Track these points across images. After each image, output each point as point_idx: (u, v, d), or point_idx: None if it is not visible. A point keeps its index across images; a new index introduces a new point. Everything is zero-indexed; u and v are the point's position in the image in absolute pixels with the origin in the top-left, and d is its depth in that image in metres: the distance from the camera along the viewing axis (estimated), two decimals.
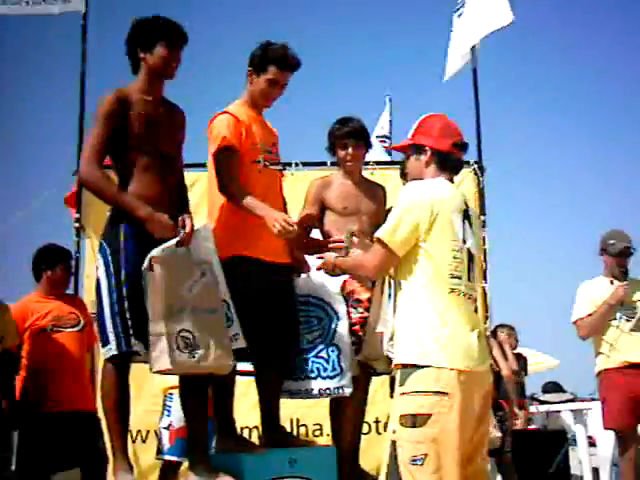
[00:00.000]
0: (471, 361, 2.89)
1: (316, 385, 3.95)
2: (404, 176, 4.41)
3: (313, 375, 3.96)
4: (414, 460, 2.76)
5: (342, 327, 3.99)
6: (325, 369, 3.93)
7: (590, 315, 5.23)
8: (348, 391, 3.96)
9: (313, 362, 3.95)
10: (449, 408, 2.78)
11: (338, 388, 3.94)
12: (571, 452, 7.21)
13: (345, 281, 4.11)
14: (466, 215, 3.08)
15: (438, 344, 2.84)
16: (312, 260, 4.06)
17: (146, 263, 3.29)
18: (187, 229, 3.45)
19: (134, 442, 5.39)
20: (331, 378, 3.93)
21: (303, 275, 4.11)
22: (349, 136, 4.36)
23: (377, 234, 3.06)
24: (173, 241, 3.37)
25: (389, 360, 4.15)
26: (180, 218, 3.47)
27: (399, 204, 3.08)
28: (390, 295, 4.12)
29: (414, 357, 2.87)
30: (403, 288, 3.00)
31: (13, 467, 4.73)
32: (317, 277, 4.05)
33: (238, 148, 3.81)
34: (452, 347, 2.86)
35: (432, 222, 2.96)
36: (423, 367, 2.80)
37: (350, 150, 4.36)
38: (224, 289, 3.57)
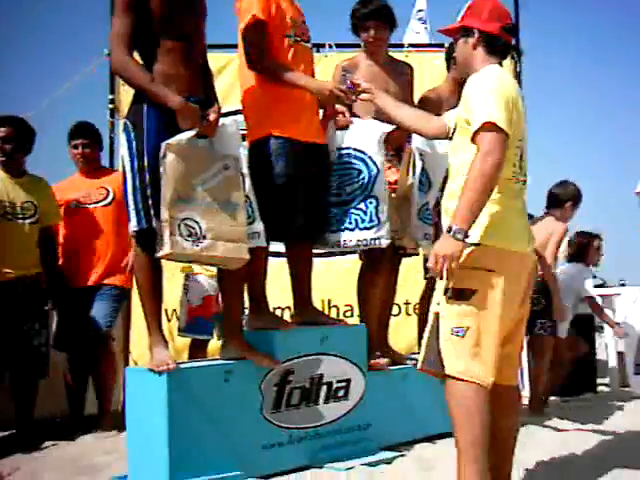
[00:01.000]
0: (518, 242, 2.92)
1: (354, 236, 3.94)
2: (452, 60, 4.38)
3: (351, 227, 3.94)
4: (457, 332, 2.82)
5: (380, 179, 3.95)
6: (363, 220, 3.91)
7: None
8: (385, 242, 3.96)
9: (351, 214, 3.93)
10: (494, 285, 2.82)
11: (375, 239, 3.93)
12: (597, 338, 7.29)
13: (388, 133, 4.03)
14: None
15: (490, 224, 2.84)
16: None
17: (162, 149, 3.28)
18: (211, 119, 3.43)
19: (169, 321, 5.52)
20: (368, 229, 3.92)
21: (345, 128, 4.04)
22: (370, 17, 4.27)
23: (486, 119, 2.79)
24: (193, 131, 3.35)
25: (414, 238, 4.21)
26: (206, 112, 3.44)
27: (480, 89, 2.90)
28: (415, 174, 4.16)
29: None
30: (463, 167, 2.89)
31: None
32: (359, 128, 4.00)
33: (267, 22, 3.73)
34: (502, 228, 2.87)
35: (512, 109, 2.87)
36: (472, 245, 2.82)
37: (372, 32, 4.29)
38: (248, 185, 3.57)
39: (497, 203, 2.86)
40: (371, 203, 3.92)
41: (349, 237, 3.95)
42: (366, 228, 3.92)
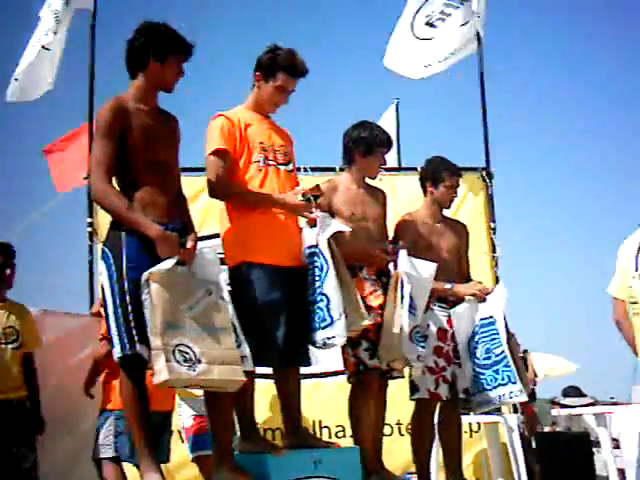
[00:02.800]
0: None
1: (318, 336, 3.79)
2: (427, 183, 4.70)
3: (316, 326, 3.79)
4: None
5: (330, 274, 3.78)
6: (321, 319, 3.77)
7: None
8: (340, 341, 3.79)
9: (316, 312, 3.79)
10: None
11: (329, 338, 3.76)
12: (596, 454, 7.17)
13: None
14: None
15: None
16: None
17: (143, 279, 3.29)
18: (189, 247, 3.46)
19: None
20: (323, 329, 3.77)
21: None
22: (390, 145, 4.44)
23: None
24: (173, 260, 3.36)
25: (406, 360, 4.18)
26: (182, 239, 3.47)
27: None
28: (403, 296, 4.16)
29: None
30: None
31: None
32: (318, 225, 3.87)
33: (230, 151, 3.81)
34: None
35: None
36: None
37: (383, 160, 4.45)
38: (232, 310, 3.55)
39: None
40: (322, 301, 3.79)
41: (316, 337, 3.81)
42: (321, 328, 3.78)
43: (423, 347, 4.26)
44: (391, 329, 4.12)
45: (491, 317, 4.62)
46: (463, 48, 7.23)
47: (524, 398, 4.56)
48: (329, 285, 3.78)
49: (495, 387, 4.51)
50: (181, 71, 3.63)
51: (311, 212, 3.83)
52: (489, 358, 4.52)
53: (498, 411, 5.66)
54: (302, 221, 3.95)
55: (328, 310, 3.77)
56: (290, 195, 3.84)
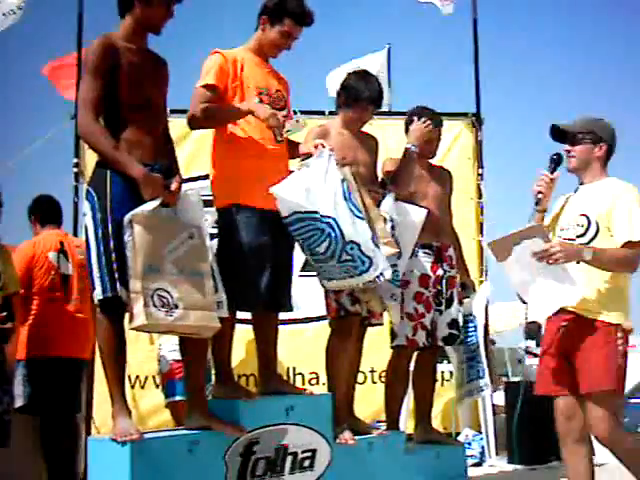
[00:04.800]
0: None
1: (358, 281, 3.83)
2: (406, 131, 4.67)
3: (349, 275, 3.82)
4: None
5: (343, 221, 3.76)
6: (355, 267, 3.78)
7: None
8: (388, 274, 3.84)
9: (341, 267, 3.81)
10: None
11: (378, 277, 3.81)
12: None
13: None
14: None
15: None
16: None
17: (126, 220, 3.28)
18: (173, 189, 3.45)
19: (133, 387, 5.46)
20: (366, 271, 3.79)
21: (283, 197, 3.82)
22: (374, 102, 4.37)
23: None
24: (157, 201, 3.34)
25: (382, 300, 4.20)
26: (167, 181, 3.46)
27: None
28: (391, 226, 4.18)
29: None
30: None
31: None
32: (294, 192, 3.78)
33: (220, 89, 3.82)
34: None
35: None
36: None
37: (366, 115, 4.38)
38: (211, 255, 3.57)
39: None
40: (352, 249, 3.77)
41: (354, 282, 3.86)
42: (363, 272, 3.79)
43: (398, 286, 4.29)
44: None
45: (471, 315, 4.98)
46: None
47: (488, 392, 5.24)
48: (349, 231, 3.75)
49: (468, 381, 5.08)
50: (169, 13, 3.58)
51: (281, 126, 3.79)
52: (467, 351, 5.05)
53: None
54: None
55: (362, 253, 3.77)
56: (260, 106, 3.81)
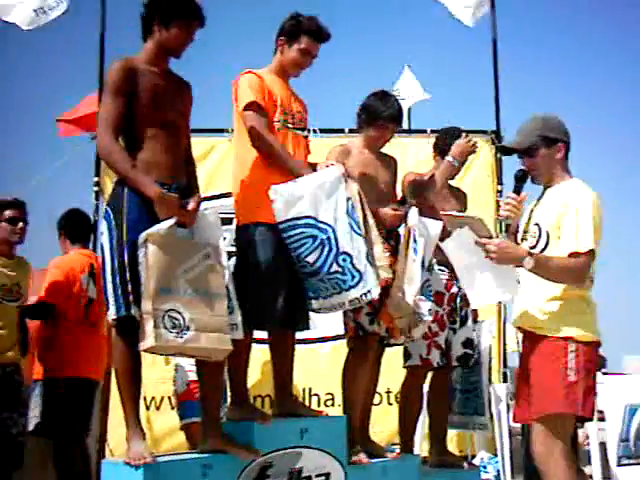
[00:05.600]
0: None
1: (343, 299, 3.79)
2: (440, 150, 4.74)
3: (336, 291, 3.79)
4: None
5: (342, 234, 3.75)
6: (344, 281, 3.75)
7: None
8: (375, 292, 3.77)
9: (329, 280, 3.77)
10: None
11: (365, 294, 3.75)
12: (579, 428, 7.20)
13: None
14: None
15: None
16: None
17: (141, 239, 3.28)
18: (190, 209, 3.46)
19: (148, 409, 5.44)
20: (354, 287, 3.76)
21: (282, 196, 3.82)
22: (395, 120, 4.38)
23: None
24: (172, 220, 3.35)
25: (413, 316, 4.14)
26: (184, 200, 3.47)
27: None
28: (416, 250, 4.13)
29: None
30: None
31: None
32: (295, 192, 3.79)
33: (263, 105, 3.87)
34: None
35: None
36: None
37: (388, 135, 4.40)
38: (228, 274, 3.55)
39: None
40: (344, 260, 3.76)
41: (339, 300, 3.81)
42: (351, 287, 3.76)
43: (433, 301, 4.28)
44: (402, 283, 4.08)
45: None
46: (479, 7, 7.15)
47: (487, 430, 5.10)
48: (344, 242, 3.75)
49: (462, 413, 4.98)
50: (190, 37, 3.62)
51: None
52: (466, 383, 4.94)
53: None
54: None
55: (353, 266, 3.74)
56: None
